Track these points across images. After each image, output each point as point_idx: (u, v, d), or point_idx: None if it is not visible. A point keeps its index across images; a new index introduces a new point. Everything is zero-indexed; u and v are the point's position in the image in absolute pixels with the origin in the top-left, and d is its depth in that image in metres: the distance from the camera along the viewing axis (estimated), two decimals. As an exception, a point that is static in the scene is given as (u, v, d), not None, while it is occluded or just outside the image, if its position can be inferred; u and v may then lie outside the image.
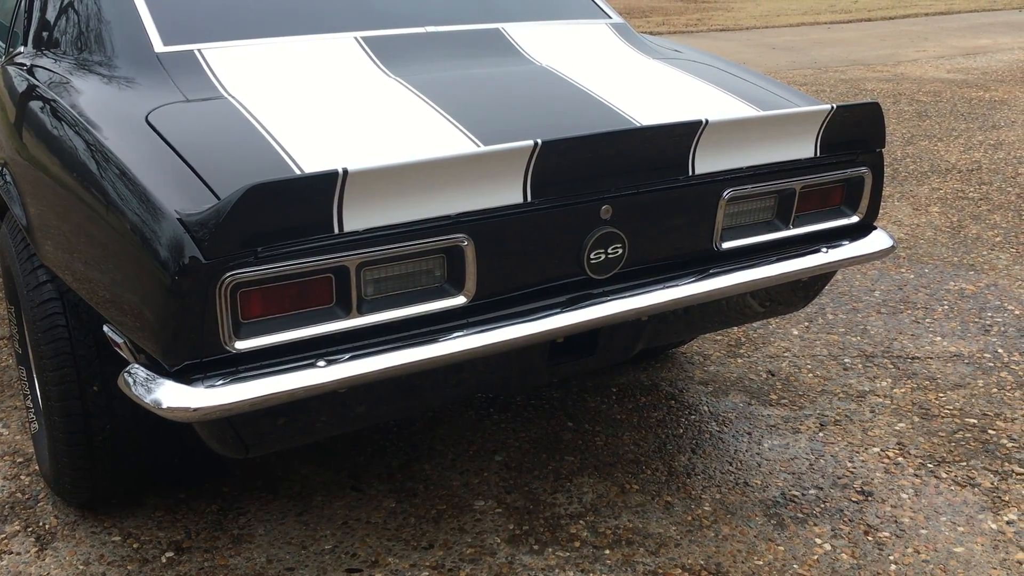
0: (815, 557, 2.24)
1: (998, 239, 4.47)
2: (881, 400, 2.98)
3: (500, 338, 1.88)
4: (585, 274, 1.99)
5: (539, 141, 1.81)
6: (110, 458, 2.21)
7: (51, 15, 2.48)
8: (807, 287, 2.47)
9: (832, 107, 2.15)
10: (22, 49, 2.55)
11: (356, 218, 1.70)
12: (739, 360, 3.25)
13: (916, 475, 2.58)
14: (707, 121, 1.99)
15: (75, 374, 2.09)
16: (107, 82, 2.14)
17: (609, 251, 1.99)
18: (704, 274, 2.13)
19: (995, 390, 3.04)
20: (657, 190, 2.03)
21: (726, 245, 2.17)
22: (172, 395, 1.66)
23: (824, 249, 2.29)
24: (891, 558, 2.24)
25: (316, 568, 2.20)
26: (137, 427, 2.17)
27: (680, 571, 2.19)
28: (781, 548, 2.28)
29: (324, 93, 2.15)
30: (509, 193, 1.85)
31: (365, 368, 1.75)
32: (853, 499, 2.47)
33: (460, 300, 1.86)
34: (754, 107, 2.32)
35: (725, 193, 2.11)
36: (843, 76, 9.23)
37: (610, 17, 2.84)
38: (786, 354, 3.30)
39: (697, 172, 2.06)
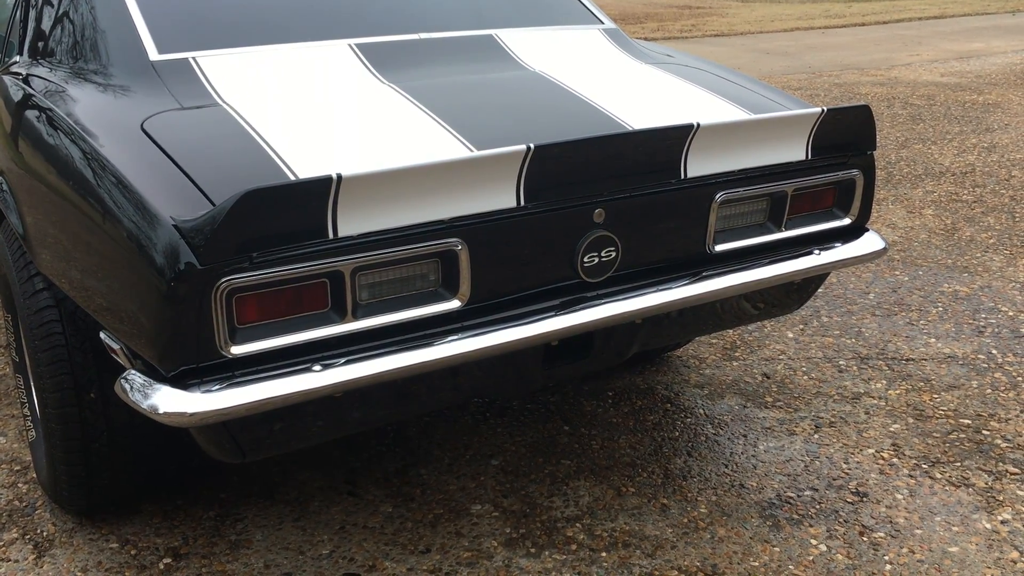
0: (810, 558, 2.25)
1: (992, 241, 4.49)
2: (876, 402, 2.99)
3: (495, 341, 1.89)
4: (579, 277, 2.01)
5: (532, 145, 1.82)
6: (107, 465, 2.21)
7: (46, 25, 2.49)
8: (800, 289, 2.49)
9: (822, 110, 2.17)
10: (17, 58, 2.56)
11: (350, 223, 1.72)
12: (735, 363, 3.26)
13: (911, 476, 2.59)
14: (698, 125, 2.01)
15: (72, 381, 2.10)
16: (102, 90, 2.15)
17: (602, 254, 2.00)
18: (697, 277, 2.15)
19: (989, 391, 3.05)
20: (649, 194, 2.04)
21: (719, 248, 2.18)
22: (169, 400, 1.67)
23: (816, 251, 2.31)
24: (886, 558, 2.25)
25: (314, 573, 2.20)
26: (134, 433, 2.18)
27: (676, 573, 2.20)
28: (777, 549, 2.29)
29: (318, 99, 2.16)
30: (503, 197, 1.87)
31: (360, 372, 1.76)
32: (848, 500, 2.48)
33: (455, 304, 1.87)
34: (745, 111, 2.33)
35: (717, 196, 2.13)
36: (837, 80, 9.26)
37: (602, 23, 2.86)
38: (781, 357, 3.31)
39: (689, 175, 2.08)
